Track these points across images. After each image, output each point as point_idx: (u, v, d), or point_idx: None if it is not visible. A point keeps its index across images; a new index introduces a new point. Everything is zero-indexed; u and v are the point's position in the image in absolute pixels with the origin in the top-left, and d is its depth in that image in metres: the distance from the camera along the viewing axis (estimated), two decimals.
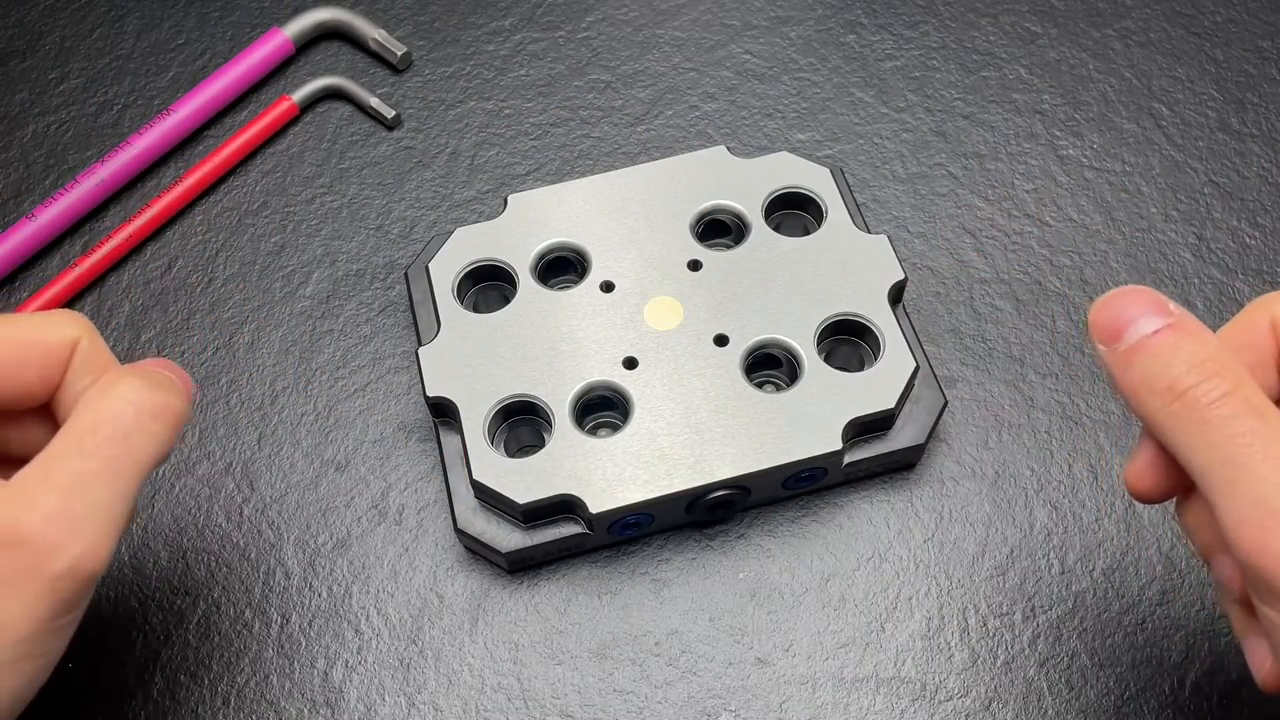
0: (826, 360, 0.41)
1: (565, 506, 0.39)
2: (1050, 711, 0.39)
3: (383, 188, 0.50)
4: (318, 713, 0.39)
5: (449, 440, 0.41)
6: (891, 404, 0.40)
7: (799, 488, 0.41)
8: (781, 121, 0.52)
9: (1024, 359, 0.45)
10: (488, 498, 0.39)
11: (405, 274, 0.44)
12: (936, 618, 0.40)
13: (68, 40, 0.55)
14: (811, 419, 0.40)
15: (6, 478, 0.30)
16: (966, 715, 0.39)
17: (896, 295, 0.43)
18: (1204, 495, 0.28)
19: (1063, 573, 0.41)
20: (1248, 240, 0.48)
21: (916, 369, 0.41)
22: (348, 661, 0.40)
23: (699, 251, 0.43)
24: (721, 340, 0.41)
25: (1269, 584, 0.26)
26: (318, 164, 0.51)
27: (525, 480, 0.38)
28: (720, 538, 0.42)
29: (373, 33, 0.53)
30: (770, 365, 0.42)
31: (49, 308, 0.46)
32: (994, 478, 0.43)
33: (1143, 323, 0.29)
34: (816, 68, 0.53)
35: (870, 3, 0.55)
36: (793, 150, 0.47)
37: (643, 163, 0.48)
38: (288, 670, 0.40)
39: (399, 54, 0.53)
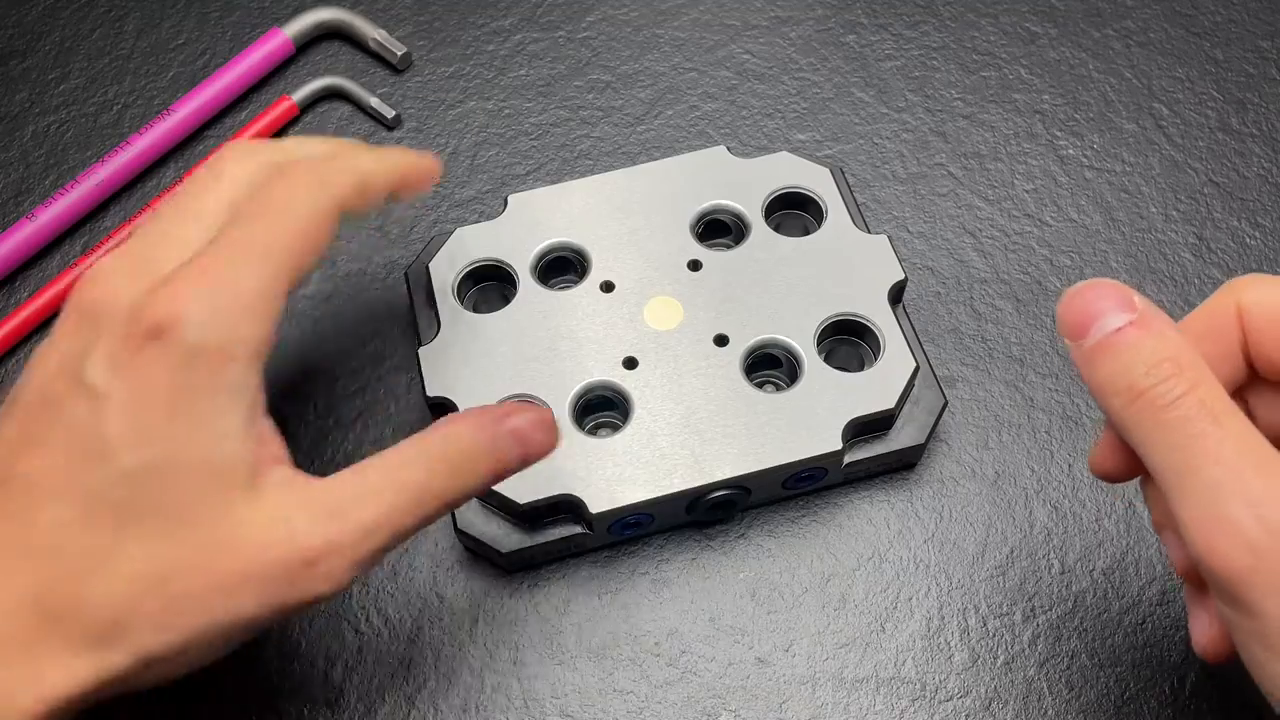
0: (826, 360, 0.41)
1: (565, 507, 0.39)
2: (1050, 711, 0.39)
3: None
4: (318, 713, 0.39)
5: None
6: (891, 404, 0.40)
7: (799, 488, 0.41)
8: (781, 121, 0.52)
9: (1024, 359, 0.45)
10: (487, 498, 0.39)
11: (405, 274, 0.44)
12: (936, 618, 0.40)
13: (68, 40, 0.55)
14: (811, 419, 0.40)
15: None
16: (966, 715, 0.39)
17: (896, 295, 0.43)
18: (1161, 490, 0.28)
19: (1063, 573, 0.41)
20: (1248, 240, 0.48)
21: (916, 369, 0.41)
22: (348, 661, 0.40)
23: (699, 251, 0.43)
24: (721, 340, 0.41)
25: (1216, 583, 0.27)
26: None
27: (525, 480, 0.38)
28: (720, 538, 0.42)
29: (373, 33, 0.53)
30: (770, 365, 0.42)
31: (49, 308, 0.46)
32: (994, 478, 0.43)
33: (1107, 319, 0.29)
34: (816, 68, 0.53)
35: (870, 3, 0.55)
36: (793, 150, 0.47)
37: (643, 163, 0.48)
38: (288, 670, 0.40)
39: (399, 54, 0.53)
